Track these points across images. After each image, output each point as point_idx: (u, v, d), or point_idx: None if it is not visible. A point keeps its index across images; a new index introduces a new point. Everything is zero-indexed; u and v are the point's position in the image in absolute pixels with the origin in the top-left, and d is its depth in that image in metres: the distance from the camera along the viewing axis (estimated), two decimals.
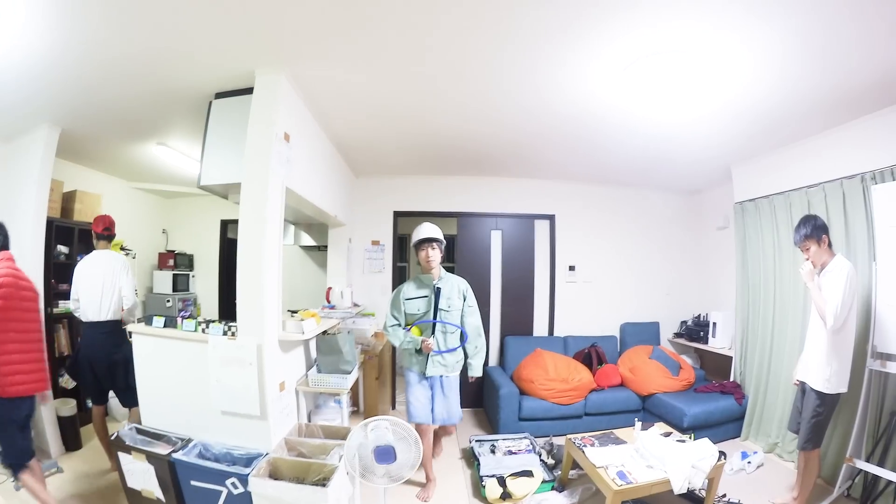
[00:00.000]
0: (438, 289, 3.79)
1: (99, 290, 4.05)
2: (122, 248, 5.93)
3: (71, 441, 4.40)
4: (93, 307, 4.02)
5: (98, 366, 3.98)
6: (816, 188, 4.29)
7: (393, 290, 5.78)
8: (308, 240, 6.55)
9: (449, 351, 3.78)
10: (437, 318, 3.75)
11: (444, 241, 3.88)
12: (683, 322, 6.62)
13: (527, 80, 3.42)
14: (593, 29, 2.73)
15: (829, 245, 3.41)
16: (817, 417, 3.33)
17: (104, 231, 4.18)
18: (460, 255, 6.38)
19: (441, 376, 3.81)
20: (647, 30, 2.73)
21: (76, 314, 4.12)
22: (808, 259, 3.42)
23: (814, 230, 3.35)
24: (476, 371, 3.89)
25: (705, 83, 3.36)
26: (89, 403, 4.38)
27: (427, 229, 3.81)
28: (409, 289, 3.87)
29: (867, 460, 3.45)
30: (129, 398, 3.89)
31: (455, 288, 3.86)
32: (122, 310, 4.13)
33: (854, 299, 3.27)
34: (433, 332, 3.76)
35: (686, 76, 3.25)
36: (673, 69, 3.14)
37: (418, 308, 3.80)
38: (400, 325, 3.84)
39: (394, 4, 2.56)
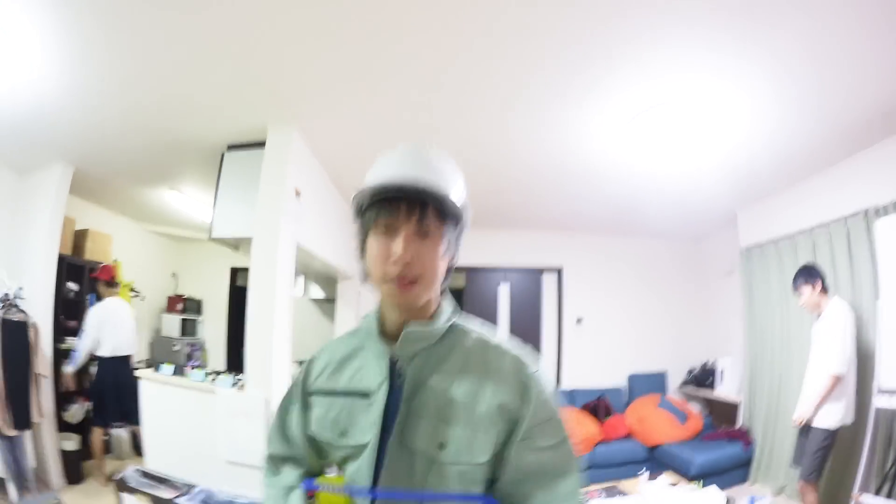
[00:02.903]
0: (400, 379, 0.98)
1: (131, 329, 4.71)
2: (132, 290, 6.00)
3: (73, 475, 4.40)
4: (127, 344, 4.63)
5: (126, 390, 4.40)
6: (821, 229, 4.30)
7: None
8: (317, 292, 6.56)
9: None
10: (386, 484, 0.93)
11: (467, 218, 1.01)
12: (691, 370, 6.56)
13: (537, 136, 3.52)
14: (596, 86, 2.85)
15: (825, 290, 3.61)
16: (821, 450, 3.42)
17: (112, 279, 4.64)
18: (469, 309, 6.27)
19: None
20: (649, 83, 2.84)
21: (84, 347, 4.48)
22: (804, 305, 3.69)
23: (808, 277, 3.61)
24: None
25: (707, 132, 3.46)
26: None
27: (410, 160, 0.97)
28: (322, 361, 1.14)
29: (876, 494, 3.39)
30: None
31: (473, 372, 0.97)
32: None
33: (853, 339, 3.46)
34: None
35: (688, 126, 3.35)
36: (674, 120, 3.25)
37: (339, 427, 1.03)
38: (291, 459, 1.18)
39: (408, 69, 2.67)
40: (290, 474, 1.16)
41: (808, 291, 3.58)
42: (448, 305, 1.08)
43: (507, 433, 0.94)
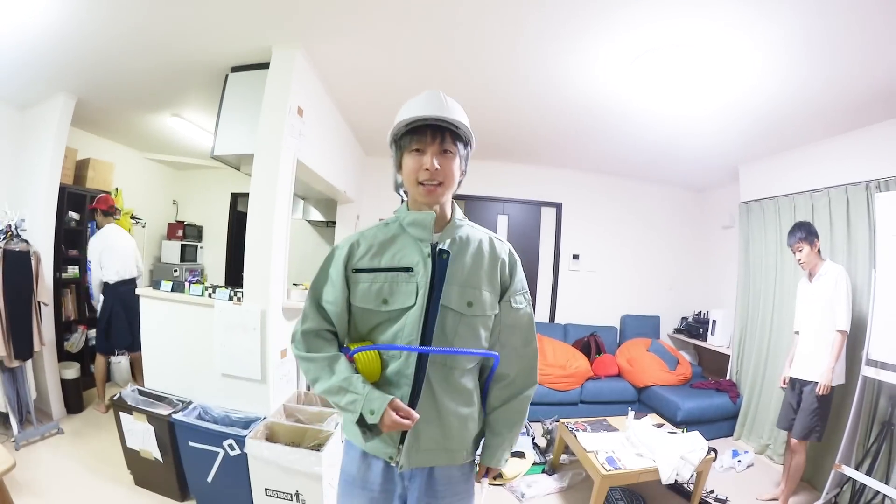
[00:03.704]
0: (443, 252, 1.46)
1: (132, 255, 4.79)
2: (133, 217, 6.05)
3: (73, 404, 4.51)
4: (129, 269, 4.71)
5: (134, 313, 4.48)
6: (821, 192, 4.31)
7: None
8: (316, 215, 6.59)
9: (455, 412, 1.48)
10: (432, 332, 1.43)
11: (473, 142, 1.52)
12: (684, 318, 6.66)
13: (539, 67, 3.46)
14: (602, 19, 2.78)
15: (819, 251, 3.67)
16: (823, 408, 3.46)
17: (111, 209, 4.70)
18: None
19: (430, 469, 1.52)
20: (656, 23, 2.78)
21: (95, 278, 4.60)
22: (799, 260, 3.68)
23: (808, 234, 3.61)
24: (495, 458, 1.58)
25: (713, 79, 3.40)
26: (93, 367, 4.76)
27: (432, 101, 1.43)
28: (364, 245, 1.52)
29: (856, 469, 3.46)
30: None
31: (485, 255, 1.54)
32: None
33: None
34: (417, 373, 1.43)
35: (693, 71, 3.30)
36: (680, 64, 3.19)
37: (382, 296, 1.46)
38: (328, 332, 1.54)
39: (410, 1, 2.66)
40: (329, 346, 1.51)
41: (807, 249, 3.61)
42: (458, 207, 1.59)
43: (500, 294, 1.54)
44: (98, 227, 4.76)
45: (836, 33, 2.67)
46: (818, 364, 3.46)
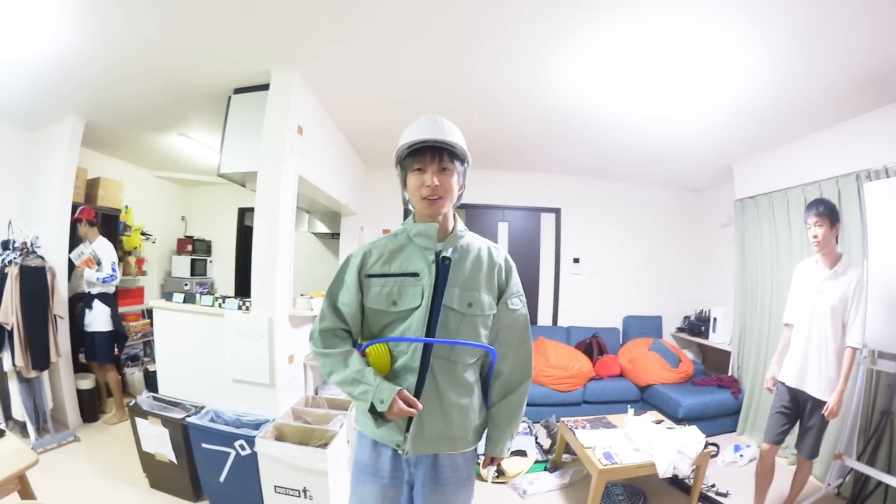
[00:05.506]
0: (445, 259, 1.63)
1: None
2: (143, 234, 6.20)
3: (89, 413, 4.66)
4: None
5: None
6: (813, 186, 4.33)
7: None
8: (322, 227, 6.70)
9: (456, 403, 1.64)
10: (436, 330, 1.58)
11: (469, 160, 1.67)
12: (686, 317, 6.70)
13: (523, 76, 3.58)
14: (582, 28, 2.87)
15: (837, 239, 3.13)
16: (826, 425, 3.14)
17: (96, 218, 4.78)
18: None
19: (434, 457, 1.67)
20: (636, 30, 2.86)
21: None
22: (815, 238, 3.06)
23: (829, 211, 3.01)
24: (498, 448, 1.77)
25: (697, 82, 3.47)
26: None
27: (430, 125, 1.60)
28: (375, 254, 1.69)
29: (858, 459, 3.43)
30: None
31: (484, 262, 1.70)
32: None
33: None
34: (422, 367, 1.59)
35: (677, 74, 3.36)
36: (663, 68, 3.26)
37: (391, 298, 1.63)
38: (342, 331, 1.72)
39: (400, 12, 2.78)
40: (343, 343, 1.68)
41: (826, 229, 3.00)
42: (459, 219, 1.74)
43: (497, 297, 1.70)
44: (85, 239, 4.74)
45: (817, 24, 2.68)
46: (823, 377, 3.07)
